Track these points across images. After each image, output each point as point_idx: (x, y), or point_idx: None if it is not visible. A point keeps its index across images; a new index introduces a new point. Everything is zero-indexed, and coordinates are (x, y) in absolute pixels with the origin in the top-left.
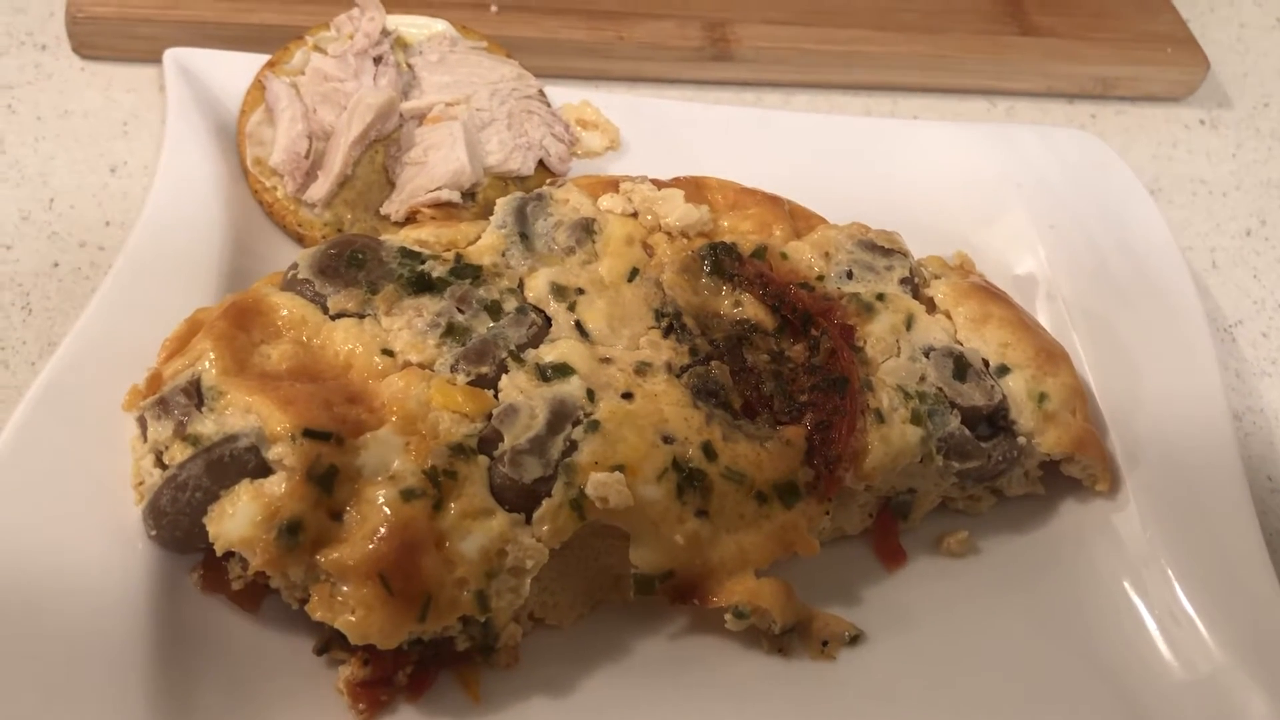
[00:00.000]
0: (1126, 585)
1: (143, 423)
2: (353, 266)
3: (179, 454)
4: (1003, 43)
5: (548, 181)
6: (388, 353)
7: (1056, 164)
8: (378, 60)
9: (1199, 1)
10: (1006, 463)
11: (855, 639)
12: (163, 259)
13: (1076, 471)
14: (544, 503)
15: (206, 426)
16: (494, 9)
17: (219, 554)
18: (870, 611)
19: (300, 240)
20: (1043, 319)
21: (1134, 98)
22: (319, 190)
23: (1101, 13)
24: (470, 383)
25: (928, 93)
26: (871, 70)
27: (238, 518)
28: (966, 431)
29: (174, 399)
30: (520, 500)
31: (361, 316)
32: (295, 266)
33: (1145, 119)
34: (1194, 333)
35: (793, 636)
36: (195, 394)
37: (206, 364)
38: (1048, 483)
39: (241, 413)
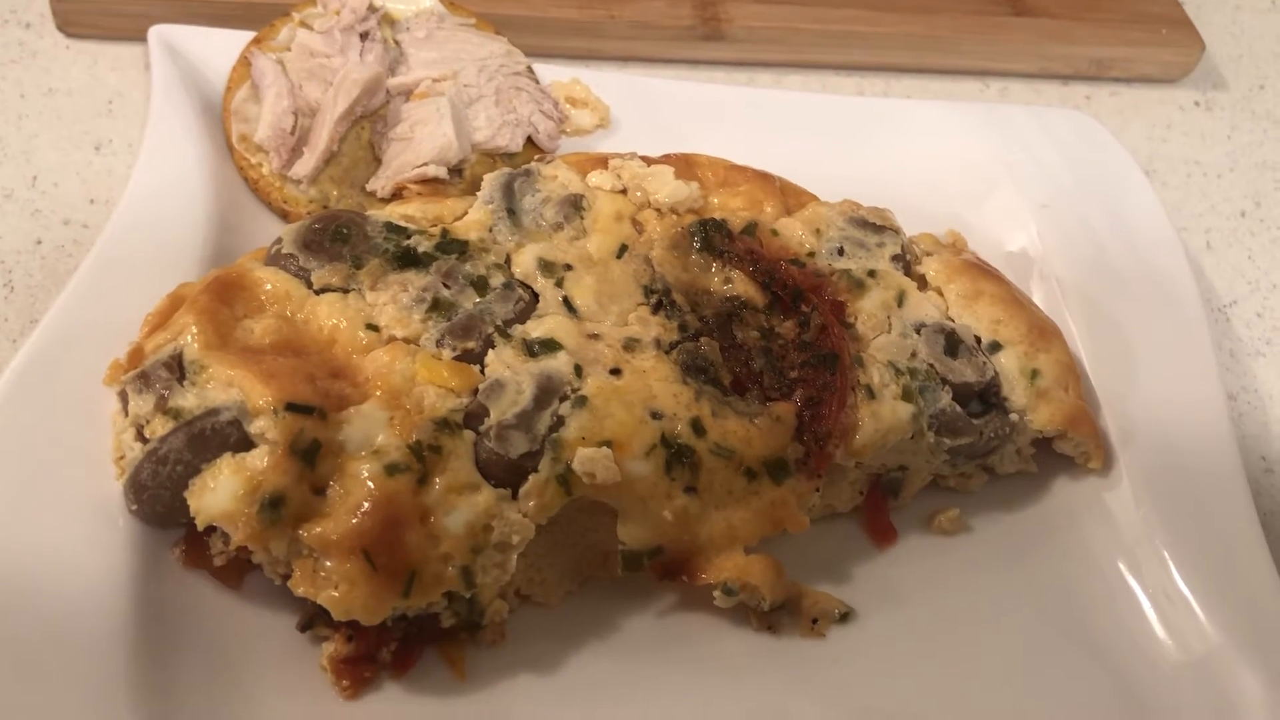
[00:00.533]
0: (1120, 565)
1: (124, 397)
2: (337, 241)
3: (160, 428)
4: (996, 23)
5: (536, 158)
6: (372, 327)
7: (1049, 143)
8: (364, 36)
9: None
10: (998, 439)
11: (845, 616)
12: (146, 236)
13: (1069, 449)
14: (530, 478)
15: (188, 400)
16: None
17: (200, 529)
18: (860, 589)
19: (285, 217)
20: (1035, 298)
21: (1128, 79)
22: (305, 167)
23: None
24: (456, 358)
25: (921, 74)
26: (865, 51)
27: (219, 492)
28: (958, 408)
29: (155, 373)
30: (506, 475)
31: (346, 291)
32: (279, 241)
33: (1140, 100)
34: (1188, 313)
35: (782, 614)
36: (177, 368)
37: (189, 338)
38: (1040, 460)
39: (223, 386)
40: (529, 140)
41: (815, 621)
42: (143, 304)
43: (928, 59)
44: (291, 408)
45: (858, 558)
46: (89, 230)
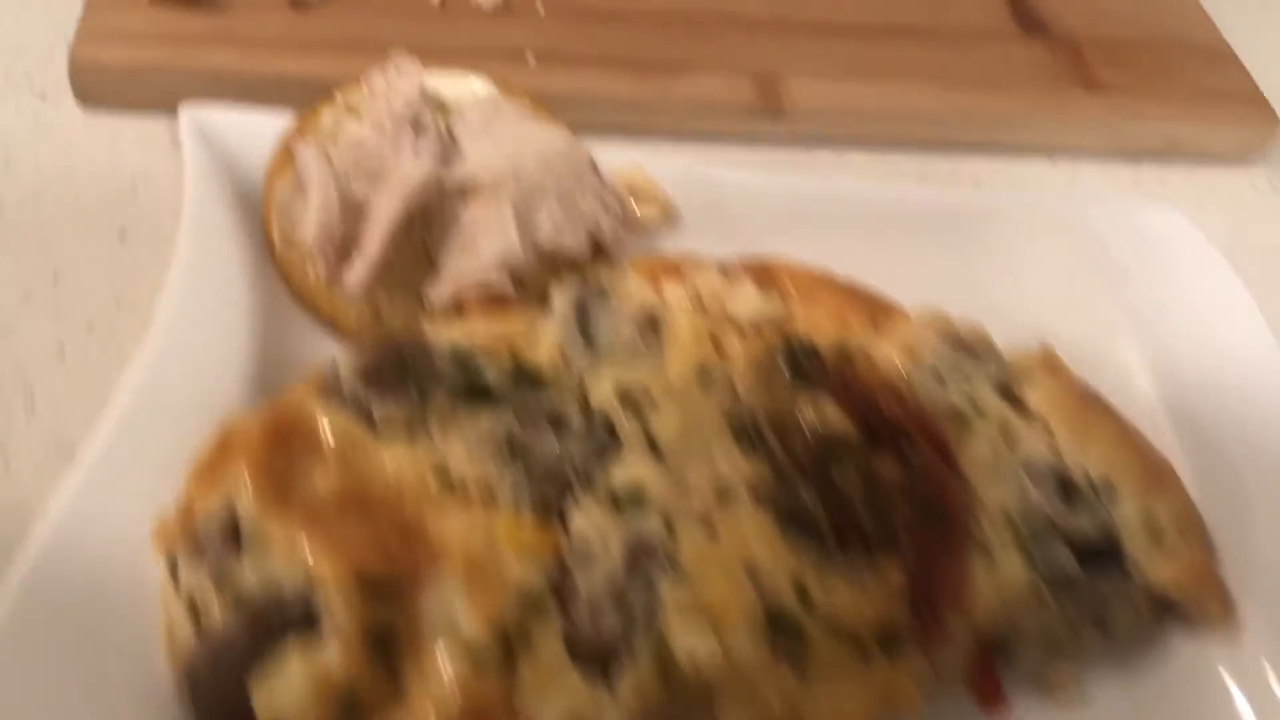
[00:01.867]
0: None
1: (173, 566)
2: (400, 373)
3: (217, 609)
4: (1066, 98)
5: (604, 266)
6: (443, 476)
7: (1143, 246)
8: (416, 126)
9: (1262, 55)
10: (1117, 598)
11: None
12: (187, 353)
13: (1191, 606)
14: (626, 664)
15: (247, 574)
16: (531, 61)
17: None
18: None
19: (334, 325)
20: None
21: (1198, 156)
22: (356, 276)
23: (1166, 69)
24: (536, 512)
25: (986, 153)
26: (929, 128)
27: (287, 688)
28: (1076, 565)
29: (209, 541)
30: (598, 659)
31: (412, 431)
32: (335, 371)
33: (1214, 182)
34: None
35: None
36: (233, 534)
37: (244, 495)
38: (1159, 615)
39: (286, 557)
40: (593, 241)
41: None
42: (186, 438)
43: (995, 134)
44: (365, 585)
45: None
46: (115, 337)
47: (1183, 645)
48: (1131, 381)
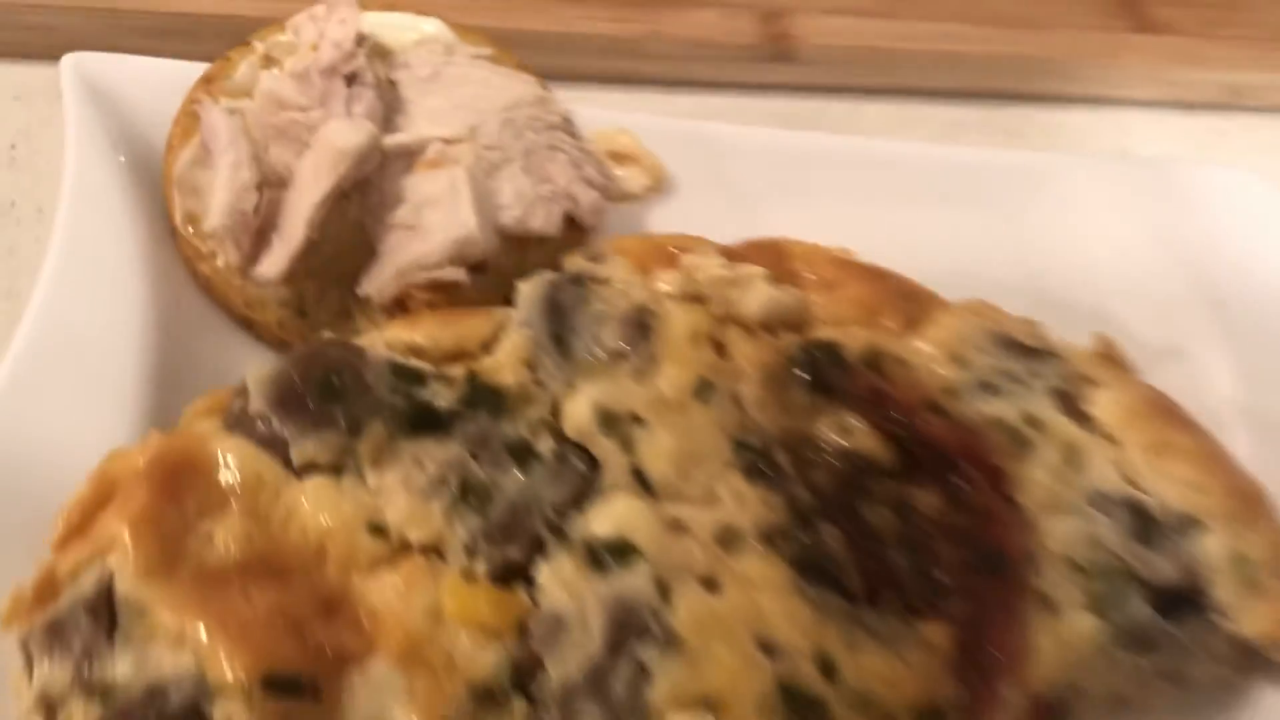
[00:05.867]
0: None
1: (28, 654)
2: (326, 397)
3: (80, 716)
4: (1117, 42)
5: (581, 251)
6: (378, 529)
7: (1222, 217)
8: (350, 79)
9: None
10: (1199, 650)
11: None
12: (64, 359)
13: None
14: None
15: (121, 669)
16: None
17: None
18: None
19: (248, 325)
20: (1223, 439)
21: (1266, 109)
22: (274, 264)
23: (1234, 5)
24: (494, 574)
25: (1022, 100)
26: (960, 74)
27: None
28: (1154, 615)
29: (74, 621)
30: None
31: (339, 471)
32: (244, 394)
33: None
34: None
35: None
36: (105, 611)
37: (121, 560)
38: (1240, 663)
39: (172, 645)
40: (567, 217)
41: None
42: (57, 481)
43: (1034, 83)
44: (272, 683)
45: None
46: None
47: (1265, 700)
48: (1210, 382)
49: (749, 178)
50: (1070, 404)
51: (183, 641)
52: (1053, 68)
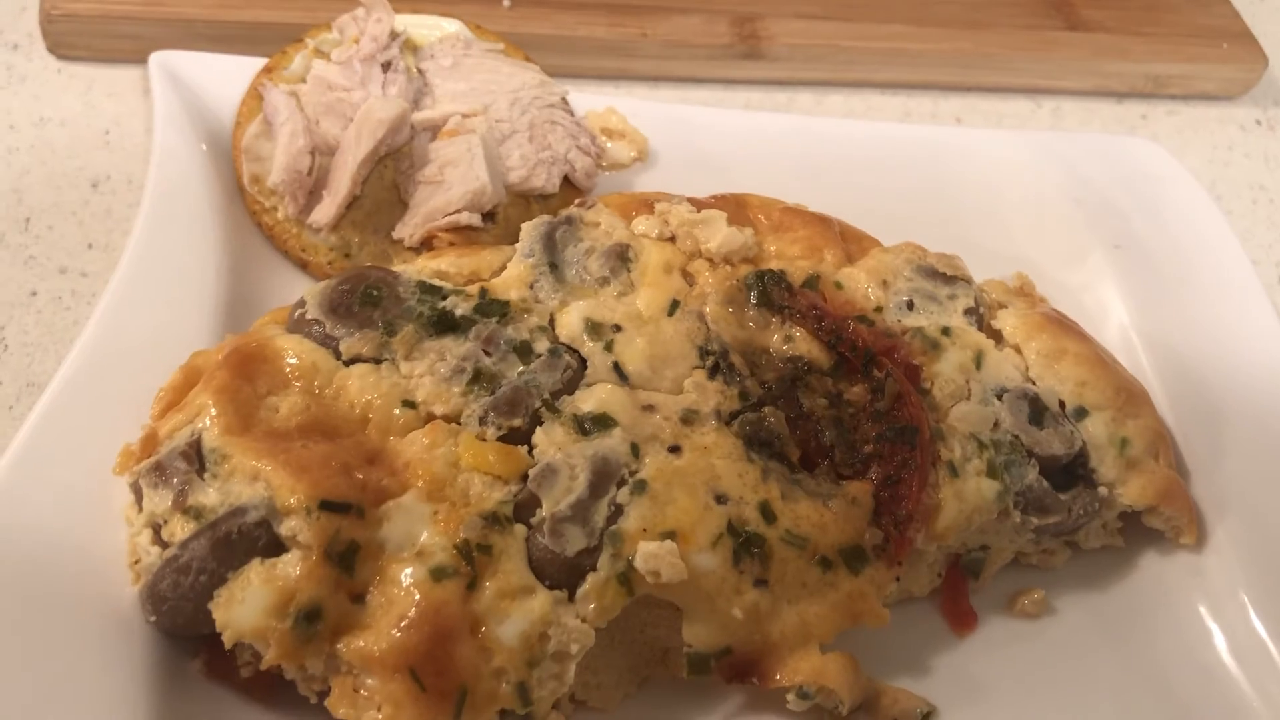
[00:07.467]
0: (1220, 650)
1: (137, 490)
2: (367, 304)
3: (180, 530)
4: (1050, 39)
5: (576, 202)
6: (409, 404)
7: (1120, 177)
8: (386, 66)
9: None
10: (1087, 516)
11: (928, 716)
12: (155, 294)
13: (1159, 523)
14: (589, 578)
15: (210, 497)
16: (507, 3)
17: (228, 646)
18: (940, 683)
19: (304, 266)
20: (1113, 351)
21: (1186, 96)
22: (324, 213)
23: (1154, 6)
24: (502, 437)
25: (968, 91)
26: (911, 69)
27: (248, 604)
28: (1045, 484)
29: (172, 464)
30: (562, 575)
31: (378, 361)
32: (303, 304)
33: (1198, 119)
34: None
35: (860, 715)
36: (196, 458)
37: (207, 421)
38: (1127, 533)
39: (249, 480)
40: (565, 179)
41: None
42: (153, 370)
43: (977, 77)
44: (326, 505)
45: (936, 647)
46: (88, 279)
47: (1150, 565)
48: (1108, 311)
49: (720, 151)
50: (980, 320)
51: (256, 478)
52: (993, 62)
